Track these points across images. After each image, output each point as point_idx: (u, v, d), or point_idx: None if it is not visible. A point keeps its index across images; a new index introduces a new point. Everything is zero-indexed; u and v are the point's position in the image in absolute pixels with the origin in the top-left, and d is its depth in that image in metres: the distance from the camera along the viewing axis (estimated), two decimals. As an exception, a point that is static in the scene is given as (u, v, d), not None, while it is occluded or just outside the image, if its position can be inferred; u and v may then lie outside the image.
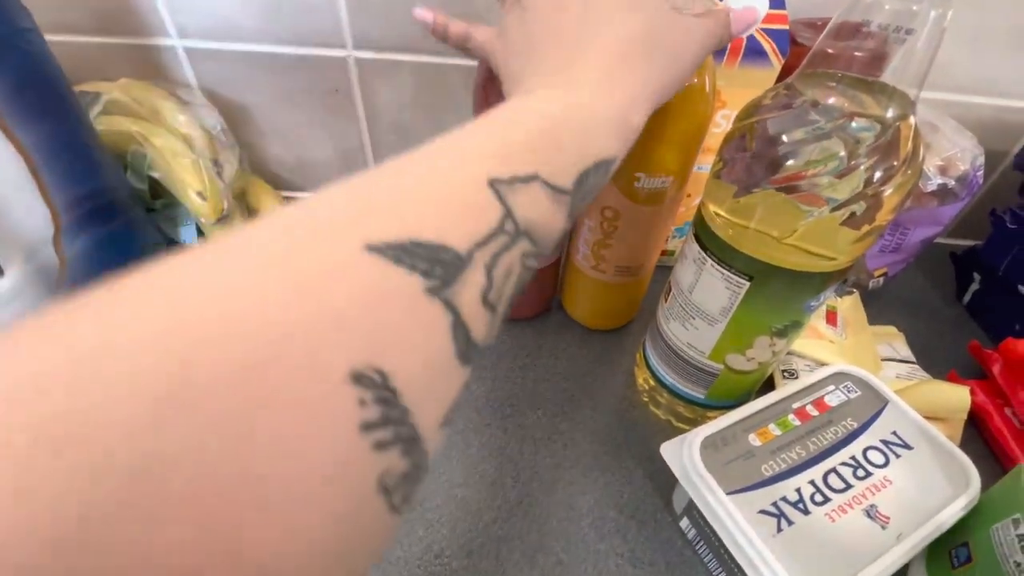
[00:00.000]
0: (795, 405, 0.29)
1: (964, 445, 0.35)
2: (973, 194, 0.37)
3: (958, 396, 0.33)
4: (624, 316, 0.41)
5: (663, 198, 0.31)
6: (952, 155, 0.35)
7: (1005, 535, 0.24)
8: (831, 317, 0.39)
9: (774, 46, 0.33)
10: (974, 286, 0.44)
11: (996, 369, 0.37)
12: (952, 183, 0.36)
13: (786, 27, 0.33)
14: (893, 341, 0.39)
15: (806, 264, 0.23)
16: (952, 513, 0.25)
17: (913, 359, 0.38)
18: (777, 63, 0.34)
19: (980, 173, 0.36)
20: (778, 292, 0.25)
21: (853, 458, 0.27)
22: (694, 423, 0.30)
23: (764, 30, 0.33)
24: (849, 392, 0.30)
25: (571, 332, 0.41)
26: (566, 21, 0.19)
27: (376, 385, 0.10)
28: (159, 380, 0.08)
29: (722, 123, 0.37)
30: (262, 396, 0.09)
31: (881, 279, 0.43)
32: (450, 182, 0.13)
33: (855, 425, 0.28)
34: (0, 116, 0.27)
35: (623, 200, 0.31)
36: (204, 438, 0.08)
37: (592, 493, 0.32)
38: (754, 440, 0.27)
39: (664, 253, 0.46)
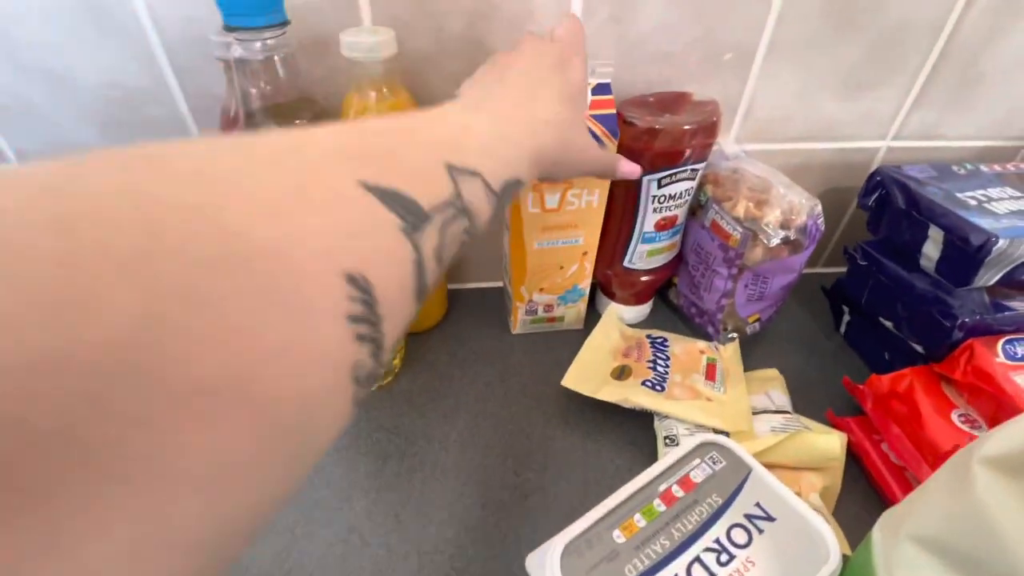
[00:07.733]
0: (662, 487, 0.29)
1: (848, 487, 0.35)
2: (817, 240, 0.39)
3: (829, 445, 0.34)
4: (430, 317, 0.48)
5: None
6: (788, 208, 0.37)
7: (861, 605, 0.24)
8: (711, 371, 0.40)
9: (603, 129, 0.34)
10: (846, 317, 0.46)
11: (868, 405, 0.38)
12: (793, 235, 0.37)
13: (613, 111, 0.35)
14: (771, 388, 0.40)
15: None
16: (813, 589, 0.25)
17: (789, 408, 0.39)
18: (611, 144, 0.35)
19: (820, 221, 0.38)
20: None
21: (717, 541, 0.26)
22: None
23: (594, 116, 0.34)
24: (715, 463, 0.30)
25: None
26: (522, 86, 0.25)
27: (362, 288, 0.13)
28: (208, 242, 0.10)
29: (574, 201, 0.38)
30: (281, 275, 0.11)
31: (756, 324, 0.44)
32: (418, 155, 0.17)
33: (720, 501, 0.28)
34: None
35: None
36: (232, 302, 0.10)
37: None
38: (619, 537, 0.27)
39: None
